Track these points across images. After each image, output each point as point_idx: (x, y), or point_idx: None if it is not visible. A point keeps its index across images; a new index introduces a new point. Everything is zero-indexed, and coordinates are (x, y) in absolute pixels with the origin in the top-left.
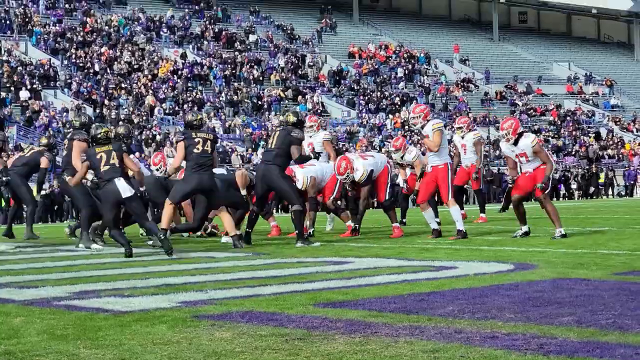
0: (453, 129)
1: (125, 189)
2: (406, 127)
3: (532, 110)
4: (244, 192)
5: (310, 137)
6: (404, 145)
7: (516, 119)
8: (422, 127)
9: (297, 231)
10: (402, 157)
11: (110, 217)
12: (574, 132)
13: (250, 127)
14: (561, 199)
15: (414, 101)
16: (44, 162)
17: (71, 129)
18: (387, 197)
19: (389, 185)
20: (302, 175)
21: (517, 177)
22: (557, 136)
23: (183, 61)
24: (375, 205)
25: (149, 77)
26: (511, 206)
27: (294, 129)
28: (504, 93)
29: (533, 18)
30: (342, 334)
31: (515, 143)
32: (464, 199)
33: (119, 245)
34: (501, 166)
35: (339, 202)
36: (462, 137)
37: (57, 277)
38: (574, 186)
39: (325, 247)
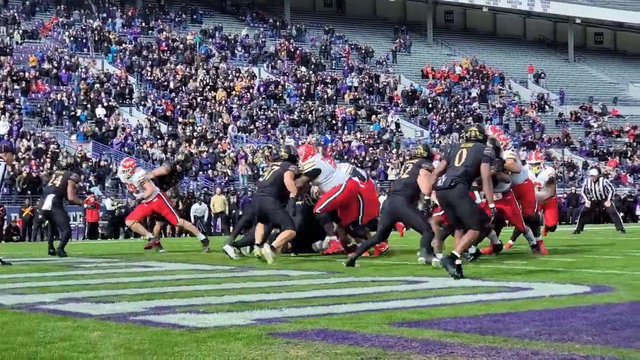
0: (526, 164)
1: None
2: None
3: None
4: None
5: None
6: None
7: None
8: None
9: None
10: (536, 175)
11: None
12: None
13: (324, 141)
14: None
15: (488, 121)
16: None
17: None
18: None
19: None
20: None
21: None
22: (632, 157)
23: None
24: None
25: (224, 94)
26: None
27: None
28: (578, 114)
29: (609, 39)
30: (418, 354)
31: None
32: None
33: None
34: (576, 187)
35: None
36: (536, 175)
37: (132, 293)
38: None
39: (399, 266)
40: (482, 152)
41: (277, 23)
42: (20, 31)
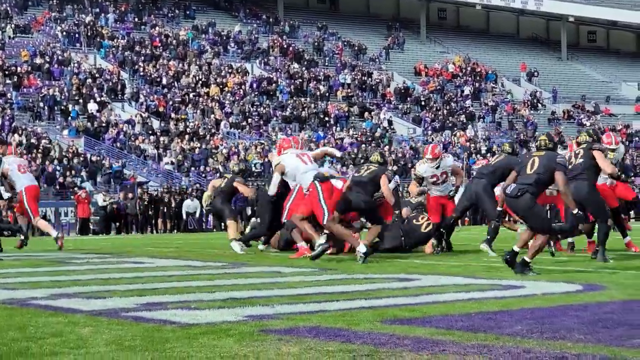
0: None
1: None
2: (472, 146)
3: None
4: None
5: None
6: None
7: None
8: None
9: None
10: (437, 168)
11: None
12: None
13: (316, 138)
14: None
15: (480, 119)
16: (241, 189)
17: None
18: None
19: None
20: None
21: None
22: (624, 156)
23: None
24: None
25: (216, 91)
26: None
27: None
28: (571, 112)
29: (602, 37)
30: (410, 351)
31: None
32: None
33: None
34: None
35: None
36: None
37: (124, 289)
38: None
39: (391, 263)
40: (554, 160)
41: (270, 19)
42: (13, 25)
